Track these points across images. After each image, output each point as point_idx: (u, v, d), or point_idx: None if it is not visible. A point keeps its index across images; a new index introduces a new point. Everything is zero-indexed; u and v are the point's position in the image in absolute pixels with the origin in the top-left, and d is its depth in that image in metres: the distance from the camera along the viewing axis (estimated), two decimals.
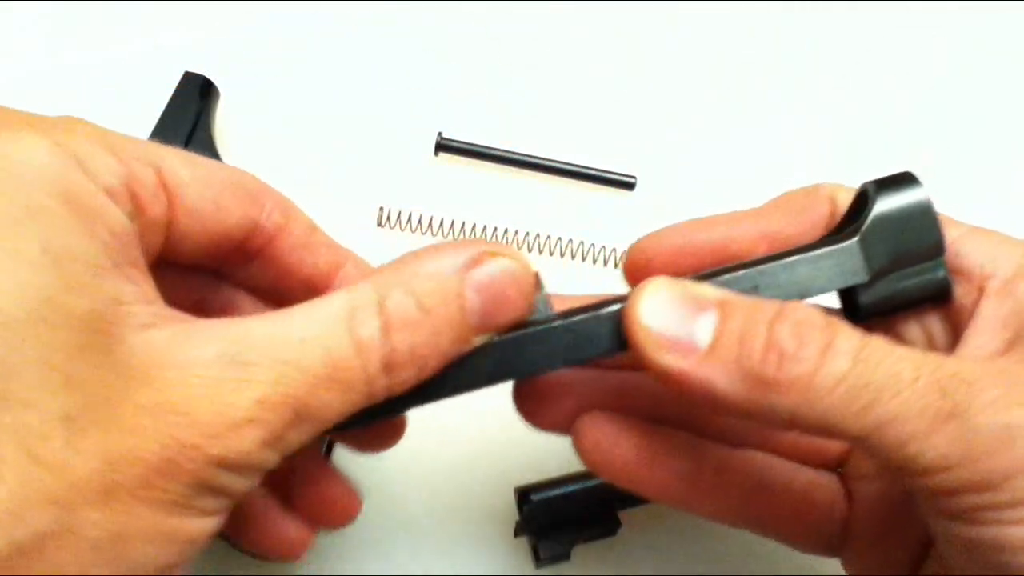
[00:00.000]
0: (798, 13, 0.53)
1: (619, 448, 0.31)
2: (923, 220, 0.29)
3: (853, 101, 0.51)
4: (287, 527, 0.31)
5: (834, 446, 0.33)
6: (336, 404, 0.24)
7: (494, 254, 0.27)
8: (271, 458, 0.24)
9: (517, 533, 0.40)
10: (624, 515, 0.40)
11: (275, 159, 0.46)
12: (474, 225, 0.46)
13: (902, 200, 0.29)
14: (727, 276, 0.29)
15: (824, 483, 0.33)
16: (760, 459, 0.33)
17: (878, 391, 0.24)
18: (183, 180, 0.27)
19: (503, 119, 0.49)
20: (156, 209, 0.26)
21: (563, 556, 0.39)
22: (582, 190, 0.48)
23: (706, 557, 0.41)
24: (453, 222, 0.46)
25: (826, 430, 0.25)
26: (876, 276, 0.29)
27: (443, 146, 0.47)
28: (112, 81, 0.47)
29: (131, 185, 0.25)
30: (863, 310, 0.30)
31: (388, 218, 0.46)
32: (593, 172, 0.48)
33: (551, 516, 0.39)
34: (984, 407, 0.24)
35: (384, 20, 0.50)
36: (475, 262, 0.27)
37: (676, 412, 0.32)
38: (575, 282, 0.45)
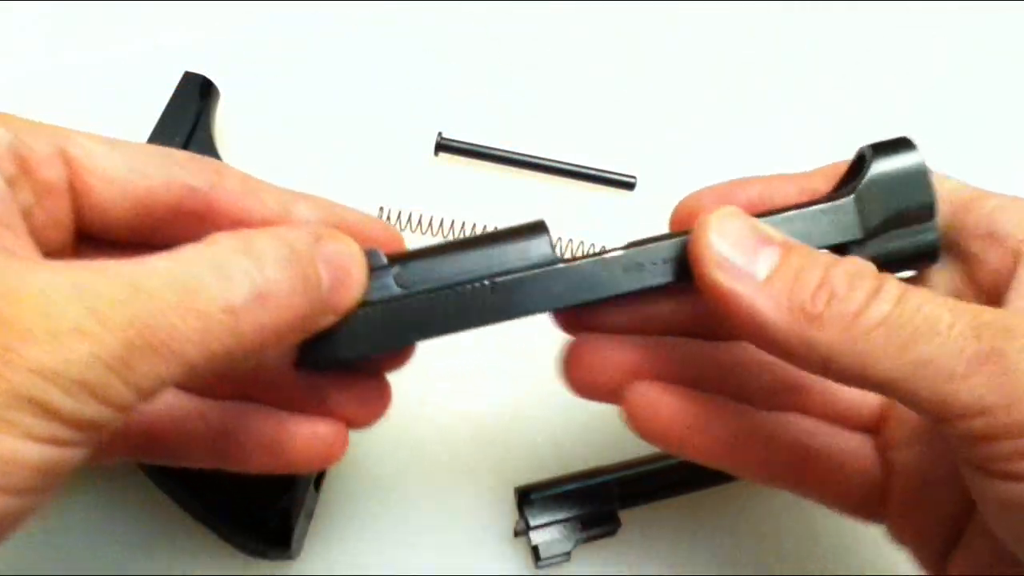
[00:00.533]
0: (798, 13, 0.53)
1: (668, 415, 0.32)
2: (917, 183, 0.30)
3: (853, 101, 0.51)
4: (314, 427, 0.31)
5: (865, 414, 0.34)
6: (193, 336, 0.23)
7: (332, 236, 0.28)
8: (120, 389, 0.22)
9: (517, 533, 0.40)
10: (624, 515, 0.40)
11: (275, 159, 0.46)
12: (474, 225, 0.45)
13: (898, 163, 0.31)
14: None
15: (862, 449, 0.34)
16: (800, 422, 0.33)
17: (916, 333, 0.25)
18: (91, 151, 0.28)
19: (503, 119, 0.49)
20: (50, 174, 0.27)
21: (563, 556, 0.40)
22: (582, 190, 0.48)
23: (706, 557, 0.41)
24: (453, 222, 0.46)
25: (860, 372, 0.26)
26: (869, 235, 0.30)
27: (443, 146, 0.47)
28: (112, 81, 0.47)
29: (18, 151, 0.26)
30: None
31: (388, 218, 0.46)
32: (593, 172, 0.48)
33: (551, 516, 0.39)
34: (1023, 352, 0.25)
35: (384, 20, 0.50)
36: (319, 239, 0.27)
37: (715, 378, 0.33)
38: None
